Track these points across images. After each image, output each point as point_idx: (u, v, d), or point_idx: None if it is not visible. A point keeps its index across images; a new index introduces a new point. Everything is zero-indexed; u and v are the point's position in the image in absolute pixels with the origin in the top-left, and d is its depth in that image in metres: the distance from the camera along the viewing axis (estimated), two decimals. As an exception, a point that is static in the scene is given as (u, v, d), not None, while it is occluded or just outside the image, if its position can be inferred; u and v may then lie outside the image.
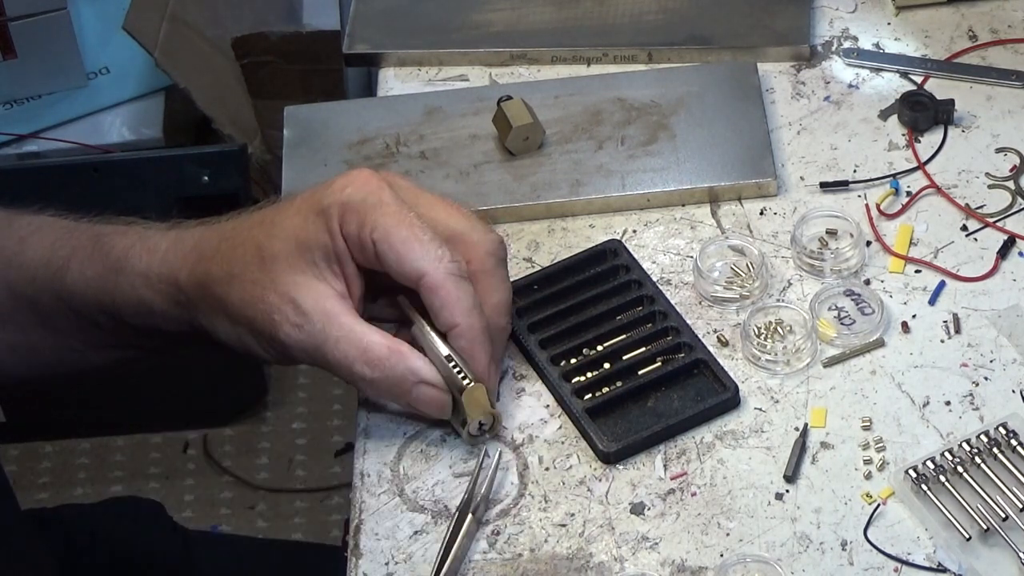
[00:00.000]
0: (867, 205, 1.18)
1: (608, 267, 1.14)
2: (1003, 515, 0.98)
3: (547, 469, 1.04)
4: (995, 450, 1.01)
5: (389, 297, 1.06)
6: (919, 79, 1.28)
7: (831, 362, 1.08)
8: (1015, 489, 0.99)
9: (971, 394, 1.06)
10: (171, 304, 1.05)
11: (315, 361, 1.01)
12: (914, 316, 1.11)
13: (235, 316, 1.02)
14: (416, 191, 1.04)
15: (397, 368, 0.99)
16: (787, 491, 1.02)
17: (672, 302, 1.12)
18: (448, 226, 1.03)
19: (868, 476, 1.02)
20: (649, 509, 1.01)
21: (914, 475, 1.00)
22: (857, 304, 1.11)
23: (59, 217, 1.10)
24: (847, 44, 1.31)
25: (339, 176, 1.02)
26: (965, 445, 1.01)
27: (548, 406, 1.08)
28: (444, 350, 1.02)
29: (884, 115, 1.25)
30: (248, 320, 1.01)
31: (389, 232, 0.99)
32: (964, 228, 1.16)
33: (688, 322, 1.10)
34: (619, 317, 1.11)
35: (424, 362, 1.00)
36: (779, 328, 1.10)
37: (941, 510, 0.98)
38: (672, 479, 1.03)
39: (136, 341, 1.09)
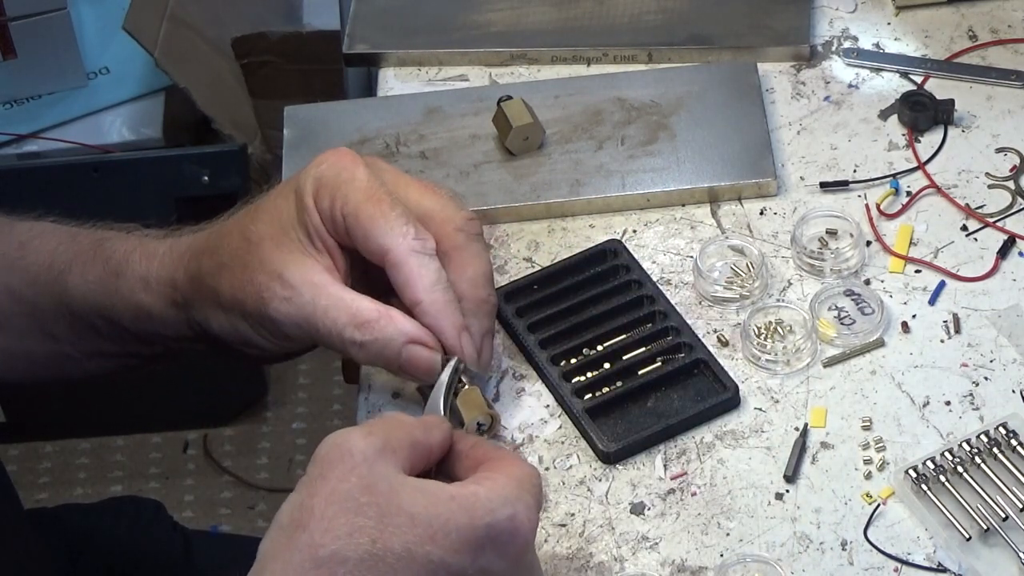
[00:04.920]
0: (867, 205, 1.18)
1: (608, 267, 1.14)
2: (1003, 515, 0.98)
3: (547, 469, 1.04)
4: (995, 450, 1.01)
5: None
6: (919, 79, 1.28)
7: (831, 362, 1.08)
8: (1015, 489, 0.99)
9: (971, 394, 1.06)
10: (168, 306, 1.05)
11: (306, 333, 1.01)
12: (914, 316, 1.11)
13: (227, 304, 1.02)
14: (395, 173, 1.05)
15: (387, 329, 0.99)
16: (787, 491, 1.02)
17: (672, 302, 1.12)
18: (420, 204, 1.03)
19: (868, 476, 1.02)
20: (649, 509, 1.01)
21: (914, 475, 1.00)
22: (857, 304, 1.11)
23: (59, 223, 1.11)
24: (847, 44, 1.31)
25: (319, 155, 1.03)
26: (965, 445, 1.01)
27: (548, 406, 1.08)
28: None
29: (884, 115, 1.25)
30: (239, 304, 1.01)
31: (358, 207, 1.00)
32: (964, 228, 1.16)
33: (688, 322, 1.10)
34: (619, 317, 1.11)
35: (413, 323, 1.00)
36: (779, 328, 1.10)
37: (941, 510, 0.98)
38: (672, 479, 1.03)
39: (134, 348, 1.09)
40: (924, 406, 1.05)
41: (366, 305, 1.00)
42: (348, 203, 1.00)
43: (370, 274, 1.04)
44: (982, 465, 1.00)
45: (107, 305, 1.06)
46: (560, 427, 1.06)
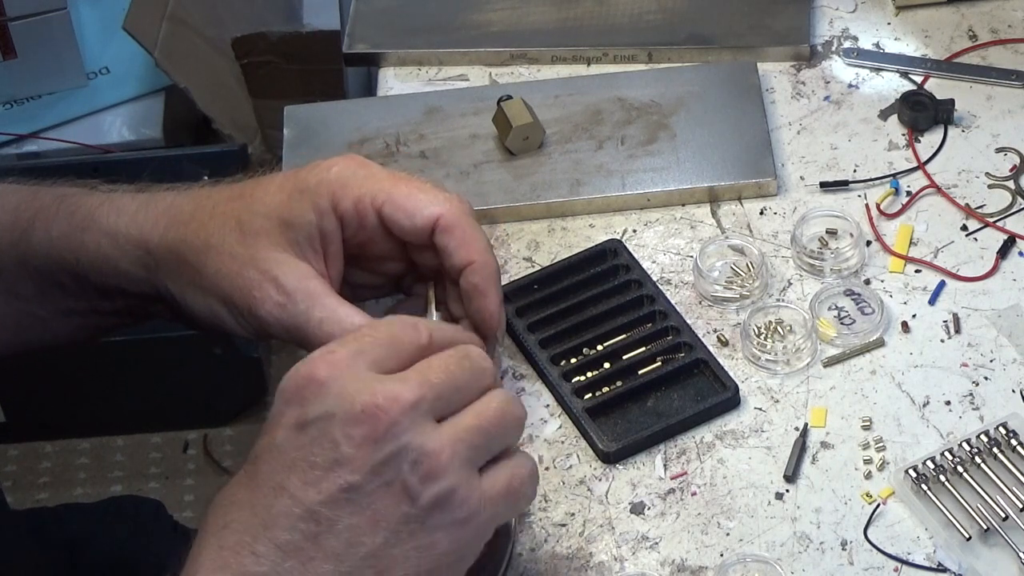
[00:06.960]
0: (867, 205, 1.18)
1: (608, 267, 1.14)
2: (1003, 515, 0.98)
3: (547, 469, 1.04)
4: (995, 450, 1.01)
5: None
6: (919, 79, 1.28)
7: (831, 362, 1.08)
8: (1015, 489, 0.99)
9: (971, 394, 1.06)
10: (137, 266, 1.04)
11: (293, 339, 1.00)
12: (914, 316, 1.11)
13: (208, 287, 1.01)
14: None
15: None
16: (787, 491, 1.02)
17: (672, 302, 1.12)
18: None
19: (868, 476, 1.02)
20: (649, 509, 1.01)
21: (914, 475, 1.00)
22: (857, 304, 1.11)
23: (20, 183, 1.10)
24: (847, 44, 1.31)
25: (322, 160, 1.02)
26: (965, 445, 1.01)
27: (548, 406, 1.08)
28: None
29: (884, 115, 1.25)
30: (223, 293, 1.01)
31: (391, 194, 1.00)
32: (964, 228, 1.16)
33: (688, 322, 1.10)
34: (619, 317, 1.11)
35: None
36: (779, 328, 1.10)
37: (941, 510, 0.98)
38: (672, 479, 1.03)
39: (98, 304, 1.08)
40: (924, 406, 1.05)
41: (360, 322, 1.00)
42: (378, 193, 1.00)
43: (352, 284, 1.04)
44: (982, 465, 1.00)
45: (71, 259, 1.06)
46: (560, 427, 1.06)
